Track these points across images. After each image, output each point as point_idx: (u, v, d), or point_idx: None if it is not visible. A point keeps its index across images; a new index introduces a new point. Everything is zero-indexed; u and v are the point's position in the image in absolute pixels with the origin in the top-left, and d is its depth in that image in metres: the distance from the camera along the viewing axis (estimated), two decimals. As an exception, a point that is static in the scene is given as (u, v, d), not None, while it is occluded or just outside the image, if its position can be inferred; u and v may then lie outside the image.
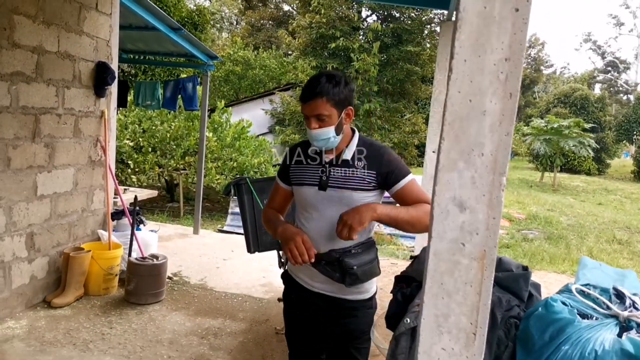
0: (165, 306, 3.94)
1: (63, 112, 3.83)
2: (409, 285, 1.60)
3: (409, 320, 1.39)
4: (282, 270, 3.32)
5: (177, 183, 8.35)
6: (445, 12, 3.73)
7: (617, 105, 37.41)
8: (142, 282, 3.92)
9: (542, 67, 51.31)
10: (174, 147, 8.02)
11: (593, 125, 20.52)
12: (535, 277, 5.88)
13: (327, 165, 1.81)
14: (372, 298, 1.89)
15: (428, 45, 13.25)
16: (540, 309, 1.36)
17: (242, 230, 6.77)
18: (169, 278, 4.50)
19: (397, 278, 1.73)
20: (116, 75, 4.37)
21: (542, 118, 20.45)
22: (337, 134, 1.77)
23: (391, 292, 1.73)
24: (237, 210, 7.14)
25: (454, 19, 3.91)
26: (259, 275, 4.84)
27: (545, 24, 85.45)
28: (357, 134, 1.87)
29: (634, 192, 17.96)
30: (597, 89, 39.13)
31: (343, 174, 1.78)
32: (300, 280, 1.92)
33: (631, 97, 40.33)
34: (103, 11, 4.19)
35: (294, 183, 1.90)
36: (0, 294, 3.39)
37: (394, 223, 1.71)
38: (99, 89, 4.22)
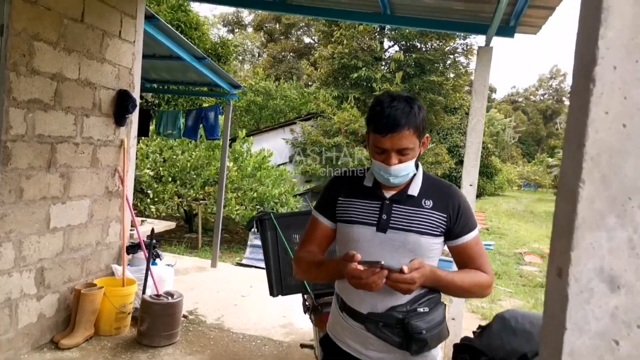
0: (179, 349, 3.67)
1: (81, 140, 3.69)
2: (475, 358, 1.32)
3: None
4: (307, 315, 3.07)
5: (196, 213, 8.18)
6: (483, 37, 3.52)
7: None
8: (156, 323, 3.66)
9: (564, 98, 50.86)
10: (194, 176, 7.89)
11: None
12: None
13: (388, 202, 1.52)
14: None
15: (452, 75, 13.10)
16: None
17: (261, 264, 6.56)
18: (184, 317, 4.24)
19: (457, 347, 1.44)
20: (137, 103, 4.25)
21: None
22: (416, 168, 1.53)
23: None
24: (257, 242, 6.92)
25: (492, 44, 3.67)
26: (279, 315, 4.54)
27: (567, 54, 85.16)
28: (420, 167, 1.59)
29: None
30: None
31: (408, 214, 1.49)
32: (347, 348, 1.55)
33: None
34: (126, 39, 4.09)
35: (341, 220, 1.56)
36: (5, 334, 3.17)
37: (443, 290, 1.46)
38: (120, 118, 4.08)
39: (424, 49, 13.49)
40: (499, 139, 33.04)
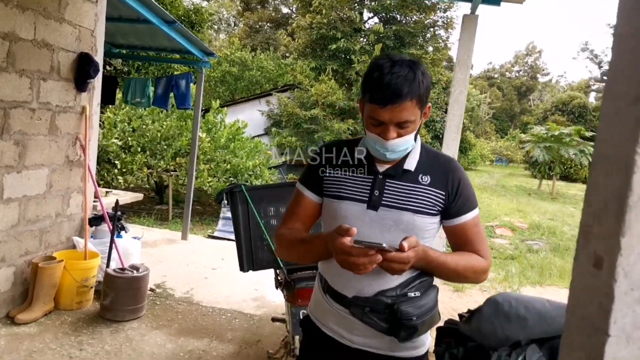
0: (145, 323, 3.54)
1: (37, 106, 3.43)
2: (461, 343, 1.21)
3: None
4: (279, 290, 2.95)
5: (167, 185, 7.95)
6: (469, 5, 3.36)
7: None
8: (120, 297, 3.52)
9: (538, 75, 51.40)
10: (165, 147, 7.62)
11: (594, 133, 20.37)
12: (547, 293, 5.42)
13: (382, 177, 1.38)
14: (427, 353, 1.45)
15: (431, 48, 12.92)
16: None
17: (233, 237, 6.45)
18: (151, 290, 4.10)
19: (440, 330, 1.33)
20: (100, 68, 3.97)
21: (539, 125, 20.27)
22: (415, 141, 1.37)
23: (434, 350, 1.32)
24: (229, 215, 6.76)
25: (477, 12, 3.51)
26: (251, 288, 4.44)
27: (543, 32, 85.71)
28: (419, 139, 1.43)
29: (633, 203, 17.73)
30: (592, 98, 39.16)
31: (403, 190, 1.35)
32: (330, 332, 1.43)
33: (627, 107, 40.38)
34: (86, -3, 3.79)
35: (329, 195, 1.42)
36: (-44, 310, 2.97)
37: (434, 272, 1.34)
38: (81, 83, 3.81)
39: (404, 21, 13.26)
40: (473, 115, 33.27)
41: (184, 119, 8.01)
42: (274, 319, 3.42)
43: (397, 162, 1.37)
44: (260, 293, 4.37)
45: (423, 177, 1.37)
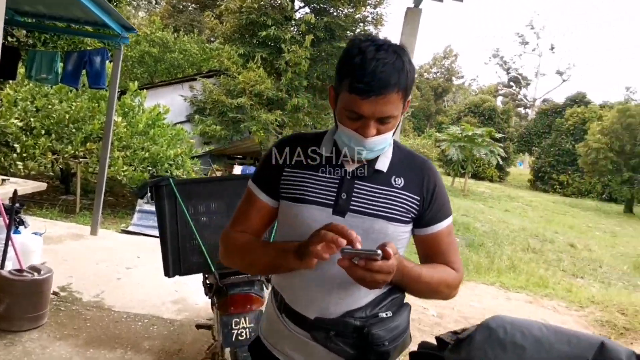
0: (47, 333, 3.11)
1: None
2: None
3: None
4: (208, 297, 2.67)
5: (75, 172, 7.21)
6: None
7: (517, 118, 40.53)
8: (17, 303, 3.06)
9: (453, 78, 54.27)
10: (74, 130, 6.88)
11: (503, 135, 21.91)
12: (466, 288, 5.54)
13: (350, 177, 1.20)
14: None
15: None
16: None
17: (151, 232, 5.97)
18: (55, 294, 3.64)
19: (415, 356, 1.18)
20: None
21: (454, 125, 21.41)
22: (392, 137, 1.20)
23: None
24: (147, 207, 6.26)
25: (421, 6, 3.44)
26: (171, 289, 4.09)
27: (460, 37, 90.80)
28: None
29: (533, 199, 19.42)
30: (499, 102, 42.09)
31: (374, 194, 1.18)
32: (284, 358, 1.25)
33: (529, 111, 44.01)
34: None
35: (287, 197, 1.23)
36: None
37: (406, 286, 1.18)
38: (-29, 52, 3.23)
39: (335, 14, 13.19)
40: (395, 113, 34.34)
41: (96, 100, 7.31)
42: (198, 326, 3.15)
43: (367, 160, 1.20)
44: (181, 295, 4.05)
45: (396, 179, 1.21)
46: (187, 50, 16.36)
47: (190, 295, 4.01)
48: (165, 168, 7.27)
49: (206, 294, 2.67)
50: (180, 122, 11.21)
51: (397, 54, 1.10)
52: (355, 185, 1.19)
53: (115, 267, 4.53)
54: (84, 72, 5.53)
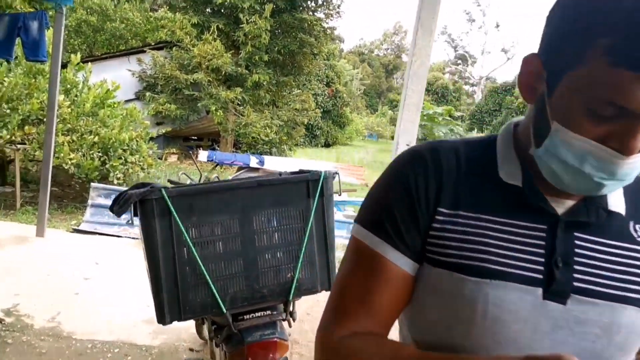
0: (-9, 384, 2.40)
1: None
2: None
3: None
4: (213, 343, 2.03)
5: (12, 160, 6.22)
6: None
7: (464, 96, 41.36)
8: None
9: (403, 54, 54.46)
10: (8, 111, 5.89)
11: (461, 114, 22.12)
12: None
13: (565, 226, 0.69)
14: None
15: (322, 15, 12.22)
16: None
17: (107, 230, 5.16)
18: (-1, 323, 2.88)
19: None
20: None
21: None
22: None
23: None
24: (101, 201, 5.43)
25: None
26: (141, 304, 3.40)
27: (409, 13, 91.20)
28: None
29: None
30: (446, 79, 42.71)
31: (613, 256, 0.69)
32: None
33: (476, 88, 45.07)
34: None
35: (445, 263, 0.70)
36: None
37: None
38: None
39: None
40: (346, 90, 33.93)
41: (33, 75, 6.31)
42: (192, 350, 2.54)
43: (584, 196, 0.69)
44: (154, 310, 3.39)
45: (637, 226, 0.71)
46: (129, 19, 14.99)
47: (167, 313, 3.36)
48: (119, 154, 6.41)
49: (211, 340, 2.06)
50: (129, 100, 10.15)
51: None
52: (576, 243, 0.68)
53: (70, 278, 3.80)
54: (18, 40, 4.60)
